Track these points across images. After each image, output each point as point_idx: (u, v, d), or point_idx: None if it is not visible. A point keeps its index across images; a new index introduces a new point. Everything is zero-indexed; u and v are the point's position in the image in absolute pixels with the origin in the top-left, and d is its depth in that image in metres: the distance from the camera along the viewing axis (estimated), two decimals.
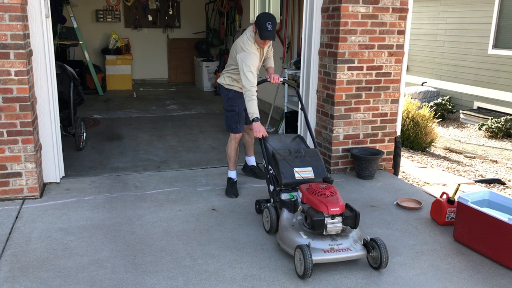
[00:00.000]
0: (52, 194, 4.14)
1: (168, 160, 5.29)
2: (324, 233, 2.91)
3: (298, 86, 5.83)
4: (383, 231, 3.56)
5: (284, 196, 3.29)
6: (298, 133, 5.28)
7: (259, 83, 4.01)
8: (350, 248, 2.91)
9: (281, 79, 4.02)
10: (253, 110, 3.70)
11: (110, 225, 3.56)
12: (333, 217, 2.90)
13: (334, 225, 2.91)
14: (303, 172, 3.35)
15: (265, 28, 3.72)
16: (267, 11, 9.08)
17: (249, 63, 3.76)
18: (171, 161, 5.25)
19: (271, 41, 4.10)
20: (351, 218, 2.95)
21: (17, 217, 3.65)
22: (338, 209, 2.90)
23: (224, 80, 4.25)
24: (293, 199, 3.22)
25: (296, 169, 3.34)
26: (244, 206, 3.98)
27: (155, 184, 4.47)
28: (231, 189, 4.22)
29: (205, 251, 3.20)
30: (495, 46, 8.96)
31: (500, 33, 8.88)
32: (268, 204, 3.52)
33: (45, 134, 4.24)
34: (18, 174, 3.94)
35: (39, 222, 3.57)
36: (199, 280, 2.84)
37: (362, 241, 2.99)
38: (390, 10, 4.56)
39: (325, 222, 2.89)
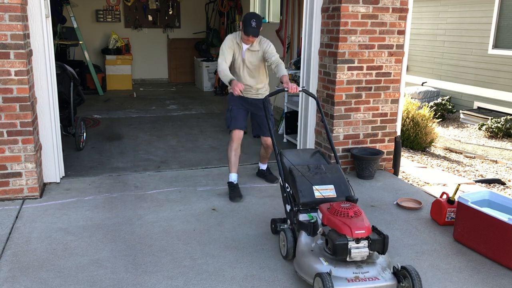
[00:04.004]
0: (52, 194, 4.15)
1: (168, 160, 5.29)
2: (347, 259, 2.58)
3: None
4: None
5: (302, 217, 2.94)
6: (298, 134, 5.28)
7: (276, 92, 3.77)
8: (378, 277, 2.55)
9: (300, 88, 3.72)
10: (224, 75, 4.01)
11: (110, 225, 3.56)
12: (357, 240, 2.58)
13: (359, 250, 2.57)
14: (324, 191, 3.00)
15: (249, 24, 3.91)
16: (267, 11, 9.09)
17: (223, 44, 4.16)
18: (171, 161, 5.25)
19: (267, 46, 4.09)
20: (378, 242, 2.61)
21: (17, 217, 3.65)
22: (364, 231, 2.58)
23: None
24: (312, 220, 2.89)
25: (315, 187, 2.99)
26: (244, 206, 3.98)
27: (155, 184, 4.47)
28: (233, 192, 4.12)
29: (205, 251, 3.20)
30: (495, 46, 8.96)
31: (500, 33, 8.88)
32: (285, 225, 3.20)
33: (45, 134, 4.24)
34: (18, 174, 3.94)
35: (39, 222, 3.57)
36: (199, 280, 2.84)
37: (392, 269, 2.64)
38: (390, 10, 4.56)
39: (349, 246, 2.56)
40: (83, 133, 5.76)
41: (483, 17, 9.14)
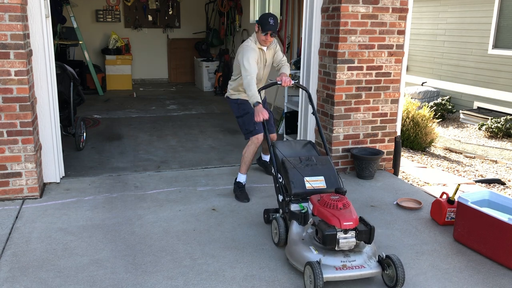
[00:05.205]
0: (52, 194, 4.14)
1: (168, 160, 5.29)
2: (336, 248, 2.74)
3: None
4: (383, 231, 3.56)
5: (294, 207, 3.10)
6: (298, 134, 5.28)
7: (269, 85, 3.93)
8: (364, 265, 2.74)
9: (293, 82, 3.85)
10: (253, 94, 3.72)
11: (110, 225, 3.56)
12: (345, 231, 2.73)
13: (346, 240, 2.73)
14: (314, 182, 3.15)
15: (267, 22, 3.88)
16: (267, 11, 9.09)
17: (247, 55, 3.88)
18: (171, 161, 5.25)
19: (277, 46, 4.19)
20: (365, 233, 2.76)
21: (17, 217, 3.65)
22: (352, 223, 2.73)
23: (229, 92, 4.35)
24: (303, 211, 3.03)
25: (306, 178, 3.14)
26: (244, 206, 3.98)
27: (155, 184, 4.47)
28: (241, 194, 4.11)
29: (205, 251, 3.20)
30: (495, 46, 8.96)
31: (500, 33, 8.88)
32: (277, 215, 3.34)
33: (45, 134, 4.24)
34: (18, 174, 3.94)
35: (39, 222, 3.57)
36: (199, 280, 2.84)
37: (377, 258, 2.81)
38: (390, 10, 4.56)
39: (337, 237, 2.71)
40: (83, 133, 5.76)
41: (483, 17, 9.14)
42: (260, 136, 4.13)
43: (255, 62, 3.93)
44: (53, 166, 4.34)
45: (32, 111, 3.93)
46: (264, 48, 4.08)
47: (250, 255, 3.15)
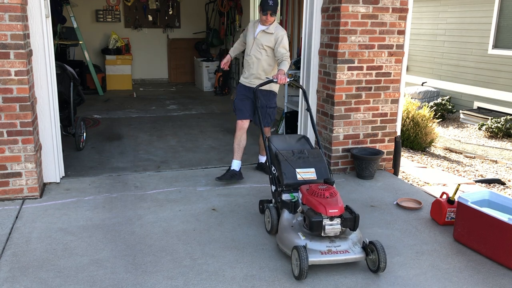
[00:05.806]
0: (52, 194, 4.14)
1: (168, 160, 5.29)
2: (322, 234, 2.89)
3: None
4: (383, 231, 3.56)
5: (285, 196, 3.28)
6: (298, 133, 5.28)
7: (265, 83, 4.01)
8: (349, 250, 2.89)
9: (288, 79, 3.96)
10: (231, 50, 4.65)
11: (110, 225, 3.56)
12: (331, 218, 2.88)
13: (332, 226, 2.88)
14: (305, 173, 3.32)
15: (266, 3, 4.12)
16: None
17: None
18: (171, 161, 5.25)
19: (280, 39, 4.20)
20: (350, 220, 2.91)
21: (17, 217, 3.65)
22: (337, 210, 2.87)
23: None
24: (293, 200, 3.22)
25: (298, 170, 3.31)
26: (244, 206, 3.99)
27: (155, 184, 4.47)
28: (223, 174, 4.42)
29: (205, 251, 3.20)
30: (495, 46, 8.96)
31: (500, 33, 8.88)
32: (270, 204, 3.52)
33: (45, 134, 4.24)
34: (18, 174, 3.94)
35: (39, 222, 3.57)
36: (199, 280, 2.84)
37: (362, 244, 2.97)
38: (390, 10, 4.57)
39: (323, 223, 2.87)
40: (83, 133, 5.76)
41: (483, 17, 9.14)
42: (240, 122, 4.42)
43: (242, 36, 4.55)
44: (53, 166, 4.34)
45: (32, 111, 3.93)
46: (260, 27, 4.29)
47: (250, 255, 3.15)
